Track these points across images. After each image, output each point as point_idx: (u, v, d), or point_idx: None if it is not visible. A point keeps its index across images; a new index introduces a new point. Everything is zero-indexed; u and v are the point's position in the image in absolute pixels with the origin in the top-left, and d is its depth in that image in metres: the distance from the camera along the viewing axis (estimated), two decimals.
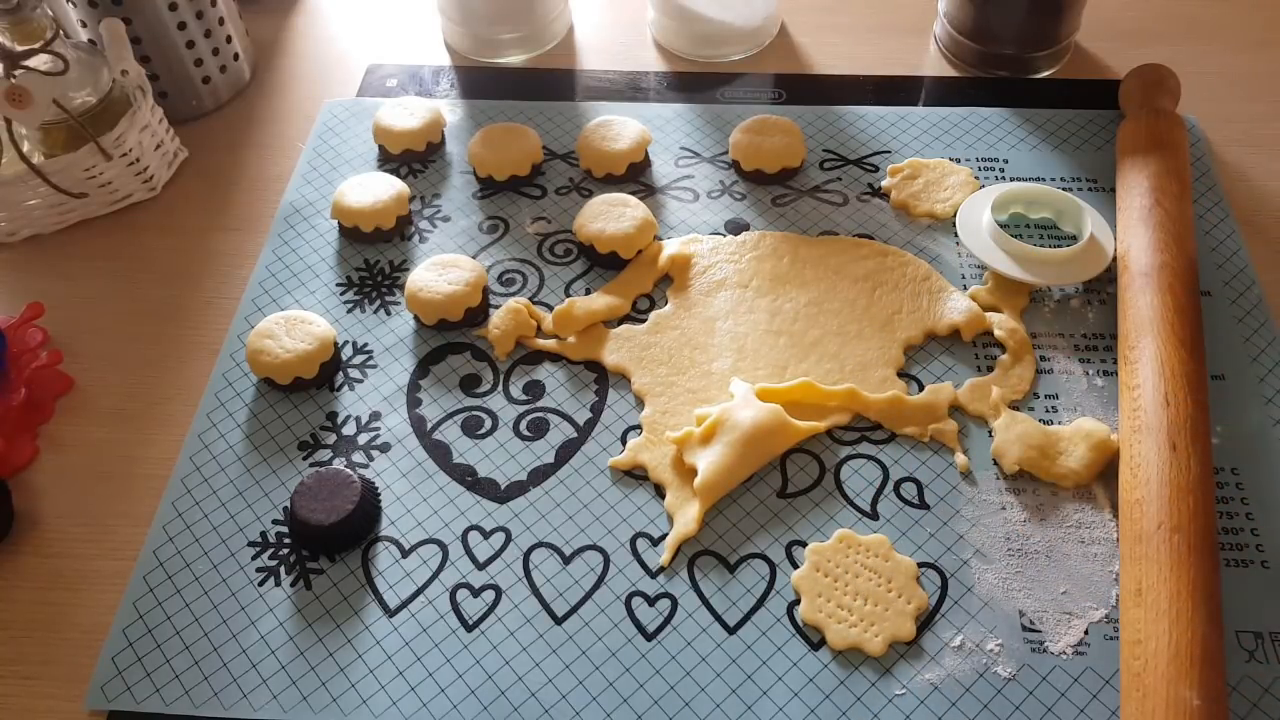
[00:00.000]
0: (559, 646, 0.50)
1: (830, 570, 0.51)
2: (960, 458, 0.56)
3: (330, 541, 0.53)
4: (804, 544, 0.53)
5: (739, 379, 0.59)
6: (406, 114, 0.72)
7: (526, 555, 0.53)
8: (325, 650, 0.50)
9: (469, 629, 0.51)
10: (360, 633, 0.51)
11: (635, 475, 0.56)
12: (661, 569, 0.52)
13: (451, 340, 0.62)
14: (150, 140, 0.70)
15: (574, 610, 0.51)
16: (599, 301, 0.63)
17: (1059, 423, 0.57)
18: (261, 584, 0.52)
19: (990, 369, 0.60)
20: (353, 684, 0.49)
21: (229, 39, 0.77)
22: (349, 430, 0.58)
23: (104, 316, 0.65)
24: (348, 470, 0.53)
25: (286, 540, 0.54)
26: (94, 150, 0.65)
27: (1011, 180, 0.69)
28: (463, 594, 0.52)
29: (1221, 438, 0.56)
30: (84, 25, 0.72)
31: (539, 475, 0.56)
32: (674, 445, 0.56)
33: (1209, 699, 0.43)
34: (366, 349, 0.62)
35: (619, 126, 0.70)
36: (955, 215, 0.66)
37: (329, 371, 0.60)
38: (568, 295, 0.64)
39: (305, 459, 0.57)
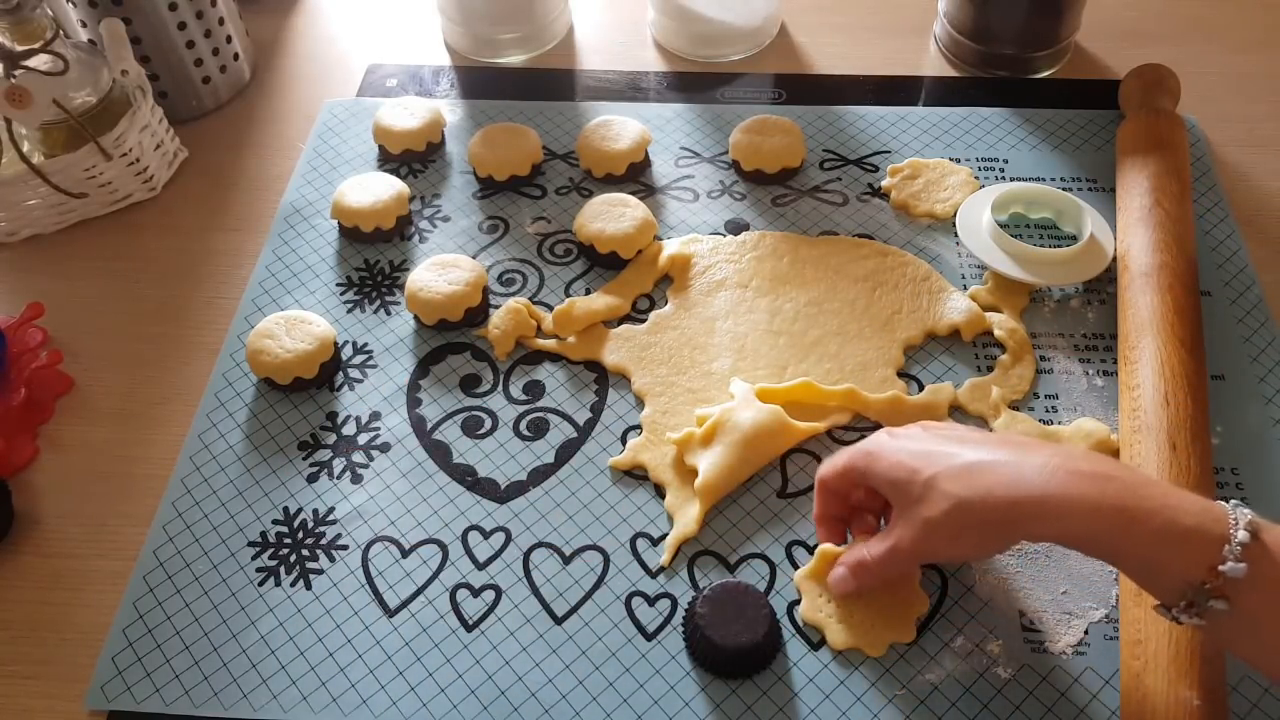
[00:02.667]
0: (559, 646, 0.50)
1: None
2: None
3: (744, 662, 0.48)
4: (804, 544, 0.53)
5: (739, 379, 0.59)
6: (406, 114, 0.72)
7: (526, 555, 0.53)
8: (325, 650, 0.50)
9: (469, 629, 0.51)
10: (360, 633, 0.51)
11: (635, 475, 0.56)
12: (661, 569, 0.52)
13: (451, 340, 0.62)
14: (150, 140, 0.70)
15: (574, 610, 0.51)
16: (599, 301, 0.63)
17: (1059, 423, 0.57)
18: (261, 584, 0.52)
19: (990, 369, 0.60)
20: (353, 684, 0.49)
21: (229, 39, 0.77)
22: (349, 430, 0.58)
23: (104, 316, 0.65)
24: (749, 585, 0.49)
25: (286, 540, 0.54)
26: (94, 150, 0.65)
27: (1011, 180, 0.69)
28: (463, 594, 0.52)
29: (1221, 438, 0.56)
30: (84, 25, 0.72)
31: (539, 475, 0.56)
32: (674, 446, 0.56)
33: (1209, 699, 0.43)
34: (366, 349, 0.62)
35: (619, 126, 0.70)
36: (955, 215, 0.66)
37: (329, 371, 0.60)
38: (568, 295, 0.64)
39: (305, 459, 0.57)
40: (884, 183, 0.70)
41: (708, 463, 0.54)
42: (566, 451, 0.57)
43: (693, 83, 0.79)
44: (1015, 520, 0.40)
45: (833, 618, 0.50)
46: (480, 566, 0.53)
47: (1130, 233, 0.61)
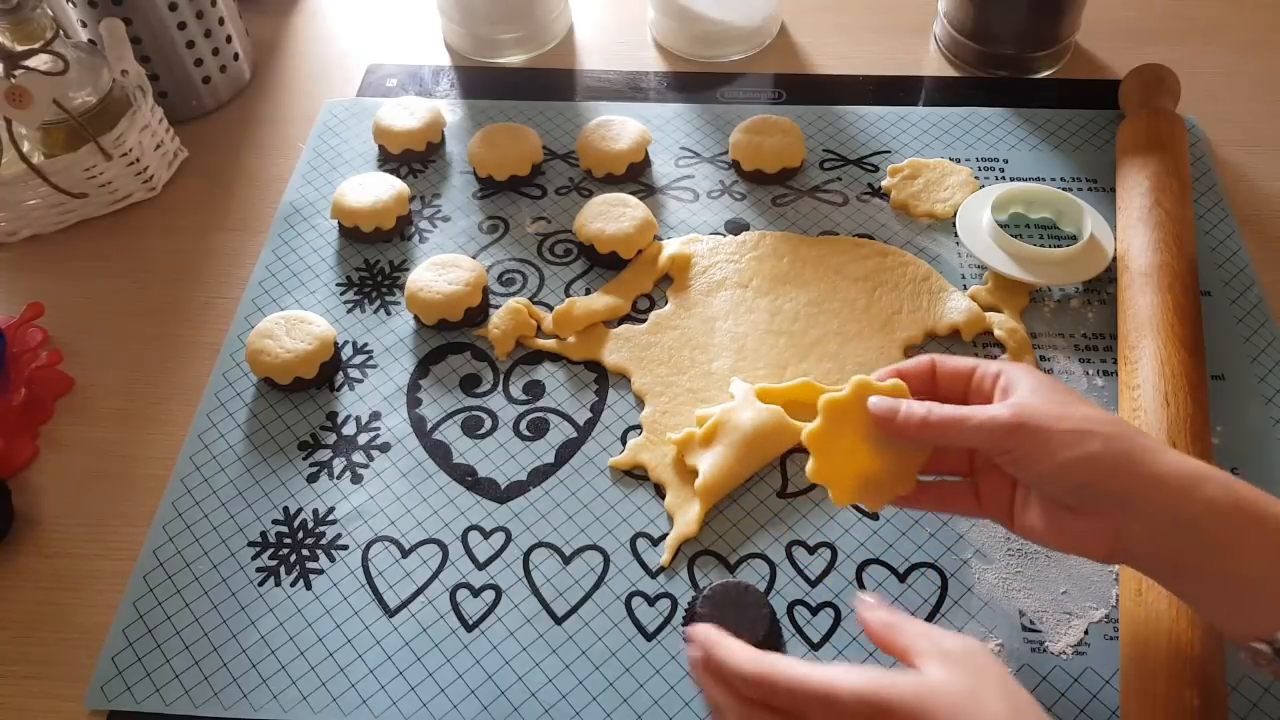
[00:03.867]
0: (559, 646, 0.50)
1: (842, 419, 0.45)
2: None
3: None
4: (804, 544, 0.53)
5: (739, 379, 0.59)
6: (406, 114, 0.72)
7: (526, 555, 0.53)
8: (325, 650, 0.50)
9: (469, 629, 0.51)
10: (360, 633, 0.51)
11: (635, 475, 0.56)
12: (661, 569, 0.52)
13: (451, 340, 0.62)
14: (150, 140, 0.70)
15: (574, 610, 0.51)
16: (599, 301, 0.63)
17: None
18: (261, 584, 0.52)
19: None
20: (353, 684, 0.49)
21: (229, 39, 0.77)
22: (349, 430, 0.58)
23: (104, 316, 0.65)
24: (749, 585, 0.46)
25: (286, 540, 0.54)
26: (94, 150, 0.65)
27: (1011, 180, 0.69)
28: (463, 594, 0.52)
29: (1221, 438, 0.56)
30: (84, 25, 0.72)
31: (539, 475, 0.56)
32: (674, 446, 0.56)
33: (1209, 699, 0.43)
34: (366, 349, 0.62)
35: (619, 126, 0.70)
36: (955, 215, 0.66)
37: (329, 371, 0.60)
38: (568, 295, 0.64)
39: (305, 459, 0.57)
40: (884, 183, 0.70)
41: (708, 463, 0.54)
42: (566, 451, 0.57)
43: (693, 83, 0.79)
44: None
45: (842, 471, 0.45)
46: (480, 566, 0.53)
47: (1130, 233, 0.61)
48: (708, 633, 0.40)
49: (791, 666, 0.37)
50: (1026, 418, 0.40)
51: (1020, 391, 0.41)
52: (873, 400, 0.44)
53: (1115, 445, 0.39)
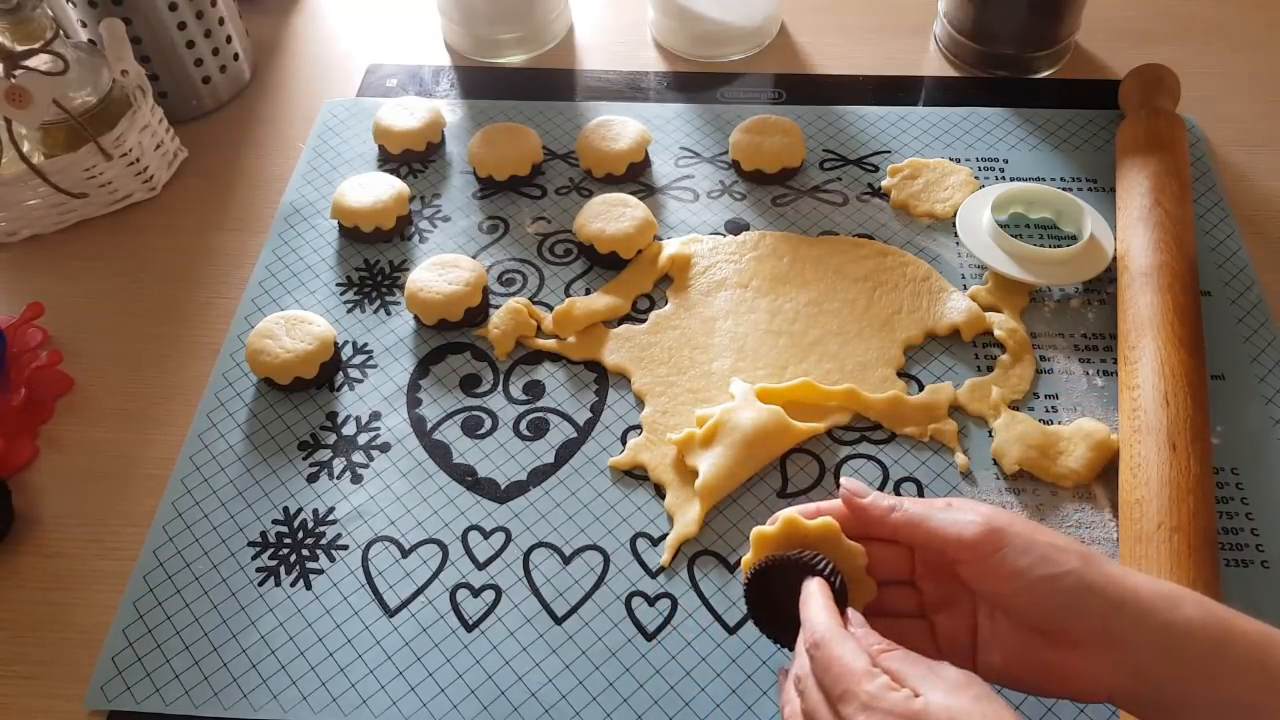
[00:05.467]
0: (559, 646, 0.50)
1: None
2: (960, 458, 0.56)
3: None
4: None
5: (739, 379, 0.59)
6: (406, 114, 0.72)
7: (526, 555, 0.53)
8: (325, 650, 0.50)
9: (469, 629, 0.51)
10: (360, 633, 0.51)
11: (635, 475, 0.56)
12: (661, 569, 0.52)
13: (451, 340, 0.62)
14: (150, 140, 0.70)
15: (574, 610, 0.51)
16: (599, 301, 0.63)
17: (1059, 423, 0.57)
18: (261, 584, 0.52)
19: (990, 369, 0.60)
20: (353, 684, 0.49)
21: (229, 39, 0.77)
22: (349, 430, 0.58)
23: (104, 316, 0.65)
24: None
25: (286, 540, 0.54)
26: (94, 150, 0.65)
27: (1011, 180, 0.69)
28: (463, 594, 0.52)
29: (1221, 438, 0.56)
30: (84, 25, 0.72)
31: (539, 475, 0.56)
32: (674, 446, 0.56)
33: None
34: (366, 349, 0.62)
35: (619, 126, 0.70)
36: (955, 215, 0.66)
37: (329, 371, 0.60)
38: (568, 295, 0.64)
39: (305, 459, 0.57)
40: (884, 183, 0.70)
41: (708, 463, 0.54)
42: (566, 451, 0.57)
43: (693, 83, 0.79)
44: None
45: None
46: (480, 566, 0.53)
47: (1130, 233, 0.61)
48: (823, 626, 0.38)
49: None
50: (1003, 525, 0.38)
51: (980, 508, 0.39)
52: (844, 481, 0.43)
53: (1094, 565, 0.37)
